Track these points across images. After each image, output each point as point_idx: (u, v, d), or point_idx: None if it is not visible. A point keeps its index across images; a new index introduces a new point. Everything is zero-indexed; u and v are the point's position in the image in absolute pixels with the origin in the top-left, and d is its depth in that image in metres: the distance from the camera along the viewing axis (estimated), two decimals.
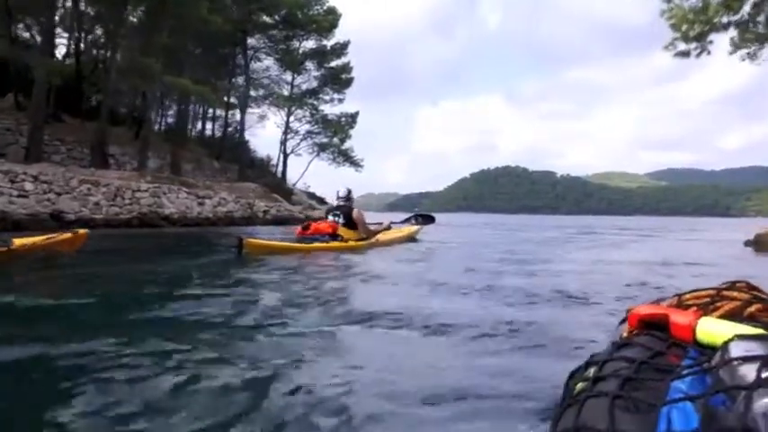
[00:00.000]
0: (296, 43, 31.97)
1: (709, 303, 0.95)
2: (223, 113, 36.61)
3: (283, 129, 32.96)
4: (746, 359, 0.64)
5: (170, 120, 35.06)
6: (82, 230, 6.69)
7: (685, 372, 0.71)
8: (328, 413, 1.63)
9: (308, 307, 3.34)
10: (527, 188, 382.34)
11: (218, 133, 34.72)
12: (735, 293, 0.98)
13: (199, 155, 28.20)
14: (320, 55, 32.81)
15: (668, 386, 0.68)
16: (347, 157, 35.47)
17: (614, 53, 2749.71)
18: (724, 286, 1.03)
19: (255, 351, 2.28)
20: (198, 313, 3.02)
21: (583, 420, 0.67)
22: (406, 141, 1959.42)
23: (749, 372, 0.61)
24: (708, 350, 0.76)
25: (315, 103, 33.83)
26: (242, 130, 29.77)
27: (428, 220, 12.02)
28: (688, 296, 1.01)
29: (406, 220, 11.57)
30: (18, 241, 5.68)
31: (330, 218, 8.26)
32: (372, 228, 8.90)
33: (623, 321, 1.00)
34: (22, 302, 3.42)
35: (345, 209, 8.29)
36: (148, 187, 17.40)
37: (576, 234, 17.67)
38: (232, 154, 31.04)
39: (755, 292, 0.99)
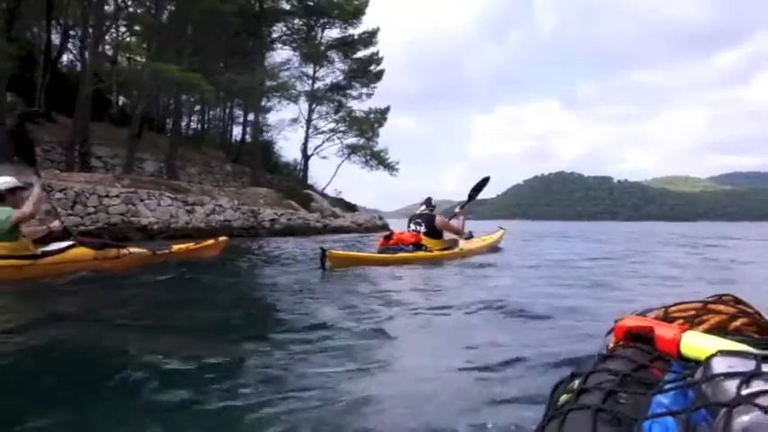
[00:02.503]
0: (318, 32, 28.70)
1: (695, 316, 0.94)
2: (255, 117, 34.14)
3: (304, 127, 29.76)
4: (728, 375, 0.64)
5: (192, 123, 32.79)
6: (222, 237, 7.95)
7: (667, 386, 0.71)
8: None
9: (396, 331, 3.07)
10: (582, 194, 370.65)
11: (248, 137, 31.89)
12: (721, 307, 0.97)
13: (209, 157, 25.45)
14: (346, 45, 29.34)
15: (650, 400, 0.69)
16: (381, 160, 31.97)
17: (675, 54, 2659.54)
18: (710, 299, 1.01)
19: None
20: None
21: None
22: (461, 149, 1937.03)
23: (730, 388, 0.62)
24: (692, 364, 0.76)
25: (341, 99, 30.40)
26: (256, 130, 26.68)
27: (482, 184, 9.74)
28: (674, 308, 1.00)
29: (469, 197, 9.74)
30: (175, 246, 6.92)
31: (412, 227, 8.06)
32: (455, 225, 8.59)
33: (610, 332, 1.00)
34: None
35: (427, 217, 8.07)
36: (120, 192, 14.46)
37: (696, 245, 14.05)
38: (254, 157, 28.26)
39: (741, 306, 0.98)
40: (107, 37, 23.02)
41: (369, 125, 29.64)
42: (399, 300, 4.18)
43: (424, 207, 8.32)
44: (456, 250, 8.15)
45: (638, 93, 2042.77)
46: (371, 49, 30.31)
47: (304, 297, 4.34)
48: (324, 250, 6.23)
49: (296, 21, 26.48)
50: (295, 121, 31.30)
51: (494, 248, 10.22)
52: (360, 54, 30.29)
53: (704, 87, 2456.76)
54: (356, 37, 29.55)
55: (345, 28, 28.98)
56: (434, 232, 7.94)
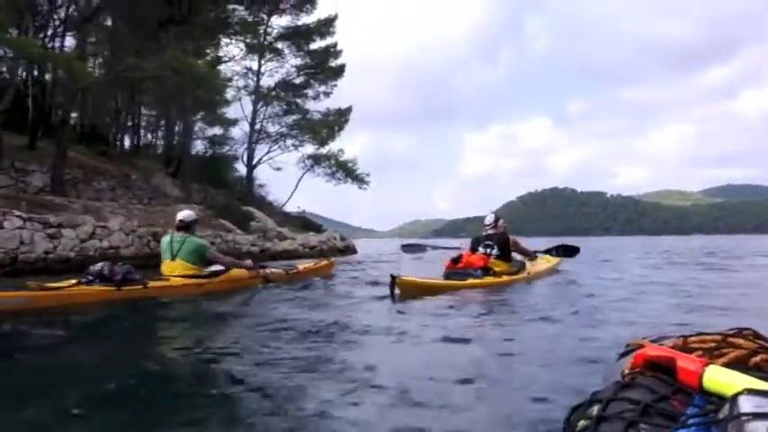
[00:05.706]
0: (264, 19, 24.20)
1: (715, 349, 0.90)
2: (221, 130, 29.93)
3: (248, 130, 25.29)
4: (757, 416, 0.62)
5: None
6: (333, 258, 10.84)
7: (691, 421, 0.69)
8: None
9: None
10: (575, 209, 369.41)
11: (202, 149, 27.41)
12: (741, 341, 0.92)
13: (135, 170, 21.11)
14: (298, 35, 25.14)
15: None
16: (348, 172, 27.64)
17: (665, 71, 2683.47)
18: (730, 332, 0.97)
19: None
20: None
21: None
22: (453, 167, 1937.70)
23: (759, 428, 0.60)
24: (714, 398, 0.73)
25: (297, 100, 25.89)
26: (188, 136, 22.32)
27: (570, 252, 10.38)
28: (693, 339, 0.96)
29: (548, 252, 10.15)
30: (301, 266, 8.66)
31: (481, 249, 7.73)
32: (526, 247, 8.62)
33: (623, 356, 0.97)
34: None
35: (498, 237, 7.83)
36: None
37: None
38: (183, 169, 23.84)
39: (761, 341, 0.94)
40: None
41: (326, 128, 25.25)
42: (460, 334, 4.03)
43: (490, 227, 8.02)
44: (524, 274, 7.99)
45: (628, 109, 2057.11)
46: (329, 40, 26.01)
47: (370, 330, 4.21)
48: (394, 277, 5.99)
49: (235, 6, 22.03)
50: (259, 132, 27.04)
51: (555, 270, 9.83)
52: (315, 46, 25.95)
53: (694, 102, 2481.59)
54: (311, 26, 25.29)
55: (297, 14, 24.77)
56: (507, 254, 7.78)
